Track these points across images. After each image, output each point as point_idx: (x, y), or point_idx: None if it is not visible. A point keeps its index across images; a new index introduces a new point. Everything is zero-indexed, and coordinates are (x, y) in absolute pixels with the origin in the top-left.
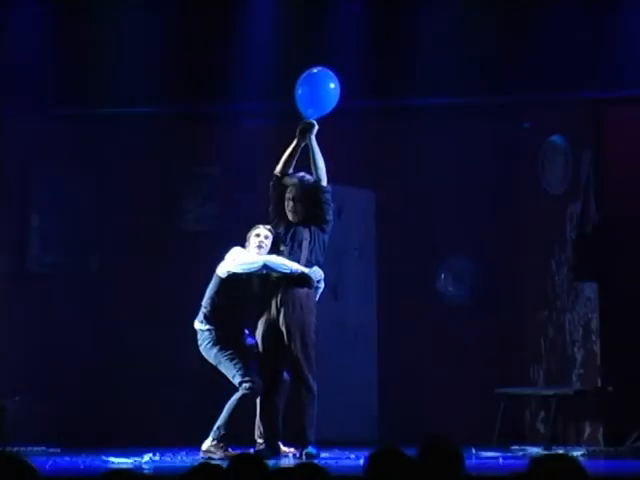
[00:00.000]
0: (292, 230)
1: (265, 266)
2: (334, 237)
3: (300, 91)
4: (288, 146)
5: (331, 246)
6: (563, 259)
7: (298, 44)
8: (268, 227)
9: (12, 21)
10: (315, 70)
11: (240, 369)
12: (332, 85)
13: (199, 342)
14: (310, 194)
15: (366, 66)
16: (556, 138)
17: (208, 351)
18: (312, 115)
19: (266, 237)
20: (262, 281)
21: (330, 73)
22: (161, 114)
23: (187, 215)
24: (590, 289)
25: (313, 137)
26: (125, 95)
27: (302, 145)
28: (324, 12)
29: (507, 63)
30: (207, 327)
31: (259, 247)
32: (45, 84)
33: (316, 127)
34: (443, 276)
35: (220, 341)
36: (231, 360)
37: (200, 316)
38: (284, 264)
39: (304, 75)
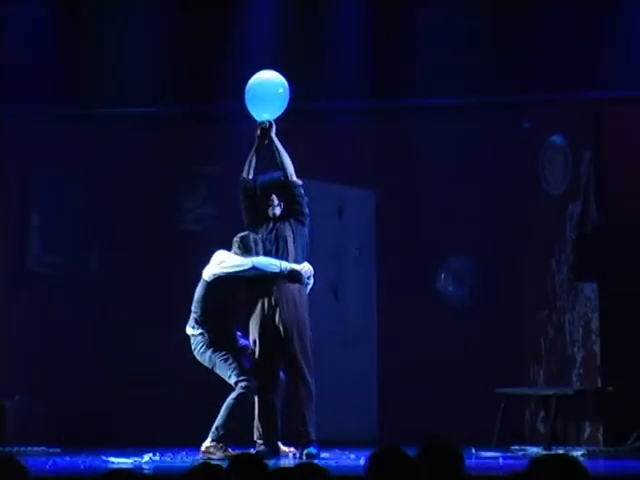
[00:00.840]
0: (274, 229)
1: (254, 268)
2: (334, 237)
3: (250, 95)
4: (251, 149)
5: (331, 246)
6: (563, 259)
7: (298, 44)
8: (251, 233)
9: (12, 21)
10: (260, 78)
11: (235, 369)
12: (280, 90)
13: (192, 347)
14: (285, 189)
15: (366, 66)
16: (556, 138)
17: (202, 355)
18: (267, 119)
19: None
20: (251, 281)
21: (277, 80)
22: (161, 114)
23: (187, 215)
24: (590, 289)
25: (274, 136)
26: (125, 95)
27: (263, 146)
28: (324, 12)
29: (507, 63)
30: (199, 331)
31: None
32: (45, 84)
33: (274, 126)
34: (443, 276)
35: (213, 344)
36: (225, 361)
37: (191, 321)
38: (272, 264)
39: (251, 83)
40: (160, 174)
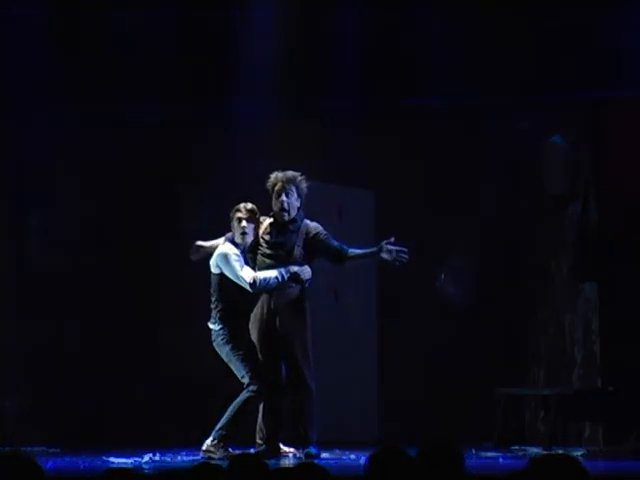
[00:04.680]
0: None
1: (252, 287)
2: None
3: None
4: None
5: None
6: (563, 259)
7: (298, 44)
8: (246, 206)
9: (12, 20)
10: None
11: (250, 371)
12: None
13: (213, 338)
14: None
15: (366, 66)
16: (556, 138)
17: (222, 347)
18: None
19: (247, 221)
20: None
21: None
22: (161, 114)
23: (187, 215)
24: (590, 289)
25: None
26: (125, 95)
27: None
28: (324, 12)
29: (507, 63)
30: (220, 326)
31: (243, 234)
32: (45, 84)
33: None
34: (443, 276)
35: (233, 339)
36: (242, 361)
37: (212, 318)
38: (270, 278)
39: None
40: (160, 174)
